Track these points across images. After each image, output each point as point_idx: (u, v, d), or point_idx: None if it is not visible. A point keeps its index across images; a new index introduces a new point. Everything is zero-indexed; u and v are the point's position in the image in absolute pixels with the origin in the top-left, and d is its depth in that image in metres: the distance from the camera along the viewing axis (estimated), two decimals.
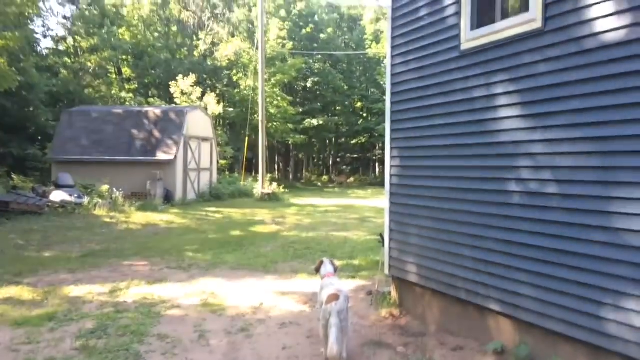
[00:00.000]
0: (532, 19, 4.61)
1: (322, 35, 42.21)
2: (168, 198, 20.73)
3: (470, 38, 5.34)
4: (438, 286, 5.83)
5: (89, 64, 32.72)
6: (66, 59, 33.68)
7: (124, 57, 35.33)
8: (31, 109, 26.51)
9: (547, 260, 4.48)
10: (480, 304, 5.24)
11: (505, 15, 5.13)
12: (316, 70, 40.60)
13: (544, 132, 4.54)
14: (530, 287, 4.63)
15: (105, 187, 18.74)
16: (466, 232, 5.39)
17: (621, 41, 3.91)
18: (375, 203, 22.91)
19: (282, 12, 40.90)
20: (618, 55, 3.93)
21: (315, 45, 41.29)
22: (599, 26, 4.06)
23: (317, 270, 5.74)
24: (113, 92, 32.68)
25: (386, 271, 6.79)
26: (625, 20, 3.88)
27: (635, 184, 3.81)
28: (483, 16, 5.30)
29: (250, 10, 40.49)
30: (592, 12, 4.11)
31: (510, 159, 4.87)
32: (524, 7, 4.76)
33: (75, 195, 17.39)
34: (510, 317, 4.91)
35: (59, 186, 18.03)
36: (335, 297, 4.78)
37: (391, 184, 6.67)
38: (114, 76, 34.38)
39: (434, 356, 5.02)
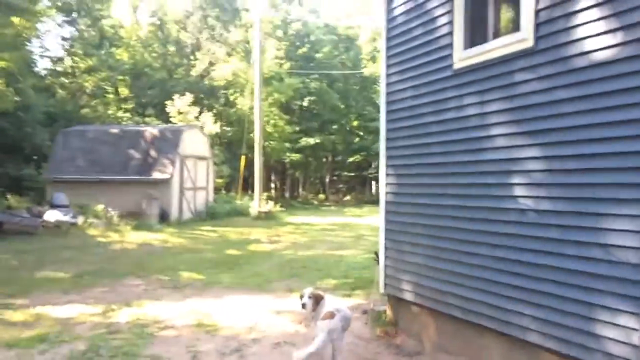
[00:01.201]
0: (523, 38, 4.65)
1: (318, 55, 42.50)
2: (163, 217, 20.66)
3: (463, 57, 5.38)
4: (433, 304, 5.78)
5: (87, 84, 32.85)
6: (63, 79, 33.79)
7: (121, 77, 35.46)
8: (28, 129, 26.48)
9: (541, 277, 4.46)
10: (475, 322, 5.20)
11: (497, 34, 5.16)
12: (313, 90, 40.80)
13: (537, 149, 4.55)
14: (526, 304, 4.60)
15: (100, 207, 18.68)
16: (461, 249, 5.37)
17: (609, 60, 3.94)
18: (370, 221, 22.85)
19: (279, 33, 41.20)
20: (607, 73, 3.95)
21: (312, 64, 41.53)
22: (588, 45, 4.09)
23: (317, 302, 5.07)
24: (110, 111, 32.76)
25: (381, 289, 6.75)
26: (613, 39, 3.91)
27: (624, 200, 3.82)
28: (475, 35, 5.35)
29: (247, 31, 40.78)
30: (582, 31, 4.14)
31: (503, 176, 4.88)
32: (516, 26, 4.80)
33: (70, 215, 17.33)
34: (506, 336, 4.87)
35: (53, 206, 17.98)
36: (330, 315, 4.79)
37: (386, 202, 6.66)
38: (111, 96, 34.47)
39: None
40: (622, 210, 3.83)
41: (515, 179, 4.75)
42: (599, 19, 4.01)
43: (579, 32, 4.16)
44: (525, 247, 4.62)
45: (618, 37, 3.88)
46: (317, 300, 5.08)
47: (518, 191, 4.72)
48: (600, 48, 4.00)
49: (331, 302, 5.11)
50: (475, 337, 5.29)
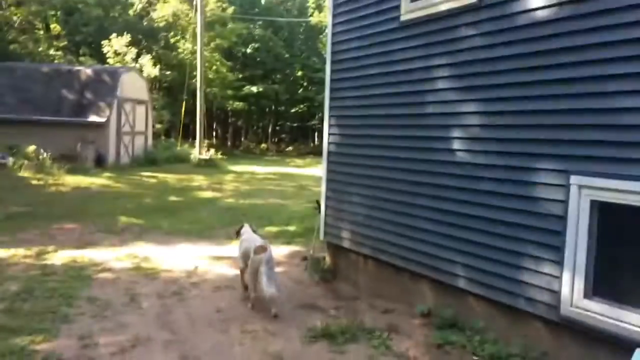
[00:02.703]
0: None
1: (263, 0, 41.43)
2: (100, 161, 20.04)
3: (410, 9, 5.41)
4: (370, 252, 5.99)
5: (15, 18, 30.76)
6: None
7: (52, 12, 33.41)
8: None
9: (472, 227, 4.70)
10: (409, 269, 5.44)
11: None
12: (257, 37, 39.90)
13: (476, 104, 4.71)
14: (457, 253, 4.85)
15: (31, 148, 17.88)
16: (398, 199, 5.55)
17: (549, 19, 4.09)
18: (313, 172, 23.02)
19: None
20: (546, 32, 4.10)
21: (257, 10, 40.50)
22: (530, 3, 4.21)
23: (238, 233, 6.16)
24: (40, 49, 30.93)
25: (321, 237, 6.90)
26: None
27: (552, 156, 4.05)
28: None
29: None
30: None
31: (443, 130, 5.03)
32: None
33: None
34: (437, 281, 5.13)
35: None
36: (263, 248, 5.34)
37: (328, 152, 6.74)
38: (42, 32, 32.51)
39: (364, 318, 5.19)
40: (549, 165, 4.06)
41: (454, 133, 4.92)
42: None
43: None
44: (458, 198, 4.84)
45: None
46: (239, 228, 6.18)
47: (456, 145, 4.89)
48: (540, 7, 4.13)
49: (251, 235, 5.89)
50: (409, 284, 5.54)
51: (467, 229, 4.75)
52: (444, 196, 5.00)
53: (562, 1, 3.99)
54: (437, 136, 5.11)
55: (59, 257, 7.16)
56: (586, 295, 3.81)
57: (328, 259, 6.93)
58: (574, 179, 3.86)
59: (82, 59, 30.74)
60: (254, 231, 6.15)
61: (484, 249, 4.59)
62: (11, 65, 22.74)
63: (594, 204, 3.77)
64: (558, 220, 3.98)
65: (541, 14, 4.14)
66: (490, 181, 4.54)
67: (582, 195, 3.82)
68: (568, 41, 3.95)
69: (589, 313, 3.77)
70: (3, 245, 7.63)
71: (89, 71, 21.97)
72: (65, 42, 33.32)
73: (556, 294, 3.98)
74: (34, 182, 14.99)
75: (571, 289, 3.87)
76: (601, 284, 3.78)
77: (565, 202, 3.92)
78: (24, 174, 15.87)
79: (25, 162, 16.76)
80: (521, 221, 4.26)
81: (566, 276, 3.90)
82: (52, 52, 31.32)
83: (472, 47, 4.75)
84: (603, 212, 3.76)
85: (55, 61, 29.83)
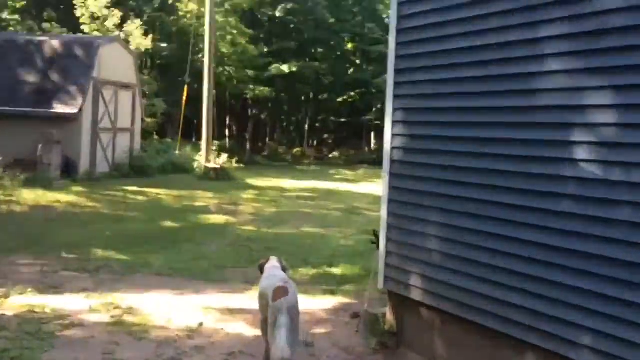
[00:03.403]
0: None
1: None
2: (69, 170, 20.55)
3: None
4: (452, 307, 5.92)
5: None
6: None
7: None
8: None
9: (607, 275, 4.54)
10: (512, 335, 5.34)
11: None
12: None
13: (611, 94, 4.61)
14: (584, 313, 4.70)
15: None
16: (495, 232, 5.47)
17: None
18: (368, 188, 23.05)
19: None
20: None
21: None
22: None
23: (261, 269, 6.16)
24: None
25: (380, 285, 6.89)
26: None
27: None
28: None
29: None
30: None
31: (561, 131, 4.93)
32: None
33: None
34: (553, 354, 5.01)
35: None
36: (283, 290, 5.30)
37: (392, 161, 6.73)
38: None
39: None
40: None
41: (578, 135, 4.83)
42: None
43: None
44: (586, 232, 4.72)
45: None
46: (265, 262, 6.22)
47: (580, 153, 4.80)
48: None
49: (274, 271, 5.93)
50: (511, 356, 5.45)
51: (601, 277, 4.62)
52: (564, 229, 4.89)
53: None
54: (551, 140, 5.02)
55: (11, 306, 7.35)
56: None
57: (390, 317, 6.91)
58: None
59: (46, 25, 31.67)
60: (284, 268, 6.19)
61: (628, 309, 4.45)
62: None
63: None
64: None
65: None
66: (635, 207, 4.43)
67: None
68: None
69: None
70: None
71: (55, 42, 22.62)
72: (24, 2, 34.44)
73: None
74: None
75: None
76: None
77: None
78: None
79: None
80: None
81: None
82: (5, 15, 32.39)
83: (603, 10, 4.68)
84: None
85: (10, 28, 30.82)
